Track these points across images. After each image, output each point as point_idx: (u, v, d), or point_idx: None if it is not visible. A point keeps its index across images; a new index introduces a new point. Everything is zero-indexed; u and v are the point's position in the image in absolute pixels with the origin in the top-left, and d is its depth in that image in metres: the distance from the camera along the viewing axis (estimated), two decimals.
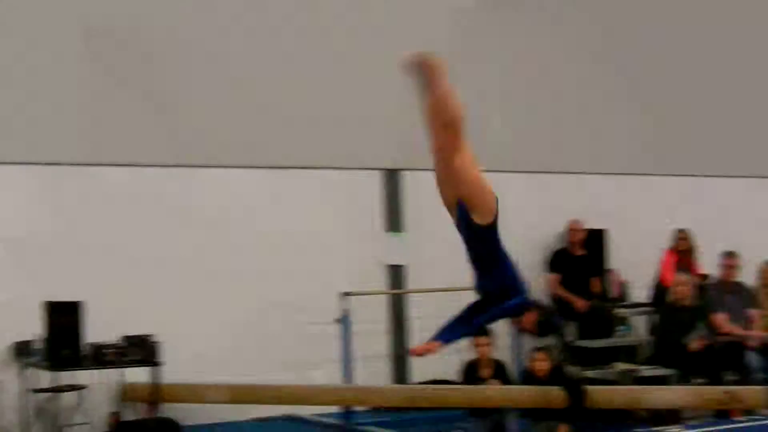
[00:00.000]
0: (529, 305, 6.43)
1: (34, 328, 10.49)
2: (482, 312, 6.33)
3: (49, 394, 10.59)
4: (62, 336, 10.31)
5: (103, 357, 10.48)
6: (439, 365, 12.44)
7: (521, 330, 6.67)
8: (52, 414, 10.50)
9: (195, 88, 12.18)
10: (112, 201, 11.89)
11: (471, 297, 6.36)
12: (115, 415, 11.29)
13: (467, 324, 6.35)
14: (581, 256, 13.77)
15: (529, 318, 6.45)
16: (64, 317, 10.32)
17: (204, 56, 12.16)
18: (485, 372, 11.00)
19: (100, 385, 11.12)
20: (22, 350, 10.97)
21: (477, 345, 10.97)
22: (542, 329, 6.60)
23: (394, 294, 13.17)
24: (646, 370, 12.25)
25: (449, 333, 6.29)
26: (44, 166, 11.61)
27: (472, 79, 13.55)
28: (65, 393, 10.75)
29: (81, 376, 10.83)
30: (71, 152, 11.70)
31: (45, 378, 10.62)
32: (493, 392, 10.71)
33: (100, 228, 11.72)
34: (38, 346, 10.64)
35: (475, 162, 6.09)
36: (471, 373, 11.06)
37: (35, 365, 10.68)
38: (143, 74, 11.84)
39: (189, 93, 12.14)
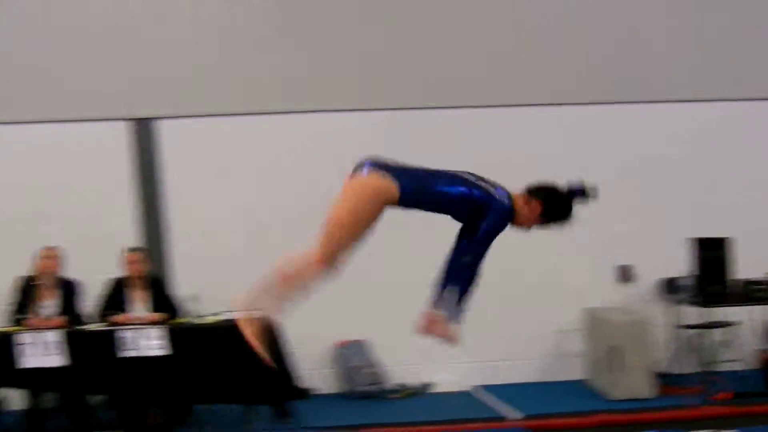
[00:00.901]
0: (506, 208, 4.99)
1: (681, 264, 10.53)
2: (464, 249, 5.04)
3: (698, 330, 10.62)
4: (710, 272, 10.34)
5: (752, 293, 10.35)
6: None
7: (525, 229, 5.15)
8: (700, 350, 10.52)
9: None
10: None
11: None
12: (764, 353, 11.11)
13: (458, 274, 5.03)
14: None
15: (527, 212, 5.06)
16: (712, 253, 10.34)
17: None
18: None
19: (749, 321, 11.00)
20: (669, 286, 11.11)
21: None
22: (551, 214, 5.09)
23: None
24: None
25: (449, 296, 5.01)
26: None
27: None
28: (714, 329, 10.76)
29: (730, 313, 10.76)
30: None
31: (693, 314, 10.69)
32: None
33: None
34: (686, 282, 10.69)
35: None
36: None
37: (683, 301, 10.75)
38: None
39: None
